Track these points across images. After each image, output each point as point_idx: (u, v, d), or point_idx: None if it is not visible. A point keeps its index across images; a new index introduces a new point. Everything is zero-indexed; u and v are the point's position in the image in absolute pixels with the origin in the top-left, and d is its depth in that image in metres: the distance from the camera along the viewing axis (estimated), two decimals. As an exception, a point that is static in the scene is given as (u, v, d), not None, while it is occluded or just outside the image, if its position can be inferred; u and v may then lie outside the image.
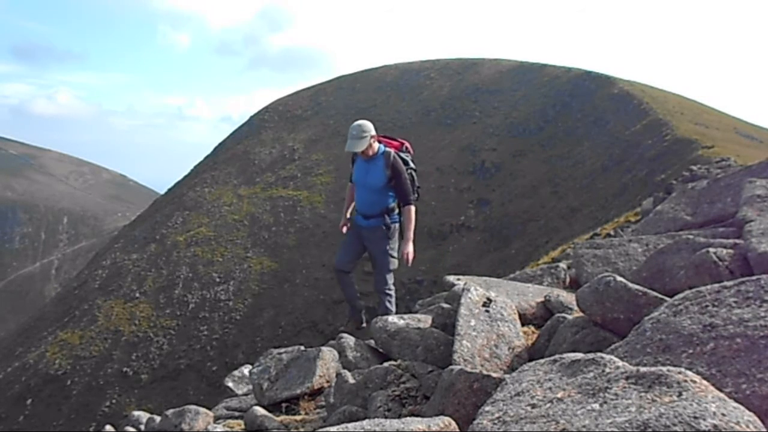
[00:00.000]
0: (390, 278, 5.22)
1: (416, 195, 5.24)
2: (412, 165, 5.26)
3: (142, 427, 4.27)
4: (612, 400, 1.39)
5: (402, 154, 5.20)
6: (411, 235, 4.90)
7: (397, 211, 5.18)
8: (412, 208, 4.98)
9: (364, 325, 5.53)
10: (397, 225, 5.14)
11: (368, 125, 5.00)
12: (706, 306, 1.85)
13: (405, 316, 3.69)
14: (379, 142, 5.19)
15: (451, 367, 2.28)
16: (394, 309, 5.19)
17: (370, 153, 4.99)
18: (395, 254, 5.12)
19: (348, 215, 5.47)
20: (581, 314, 2.66)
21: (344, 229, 5.43)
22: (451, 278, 4.41)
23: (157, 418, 4.09)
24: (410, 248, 4.86)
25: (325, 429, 2.05)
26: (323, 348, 3.94)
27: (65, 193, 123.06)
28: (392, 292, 5.28)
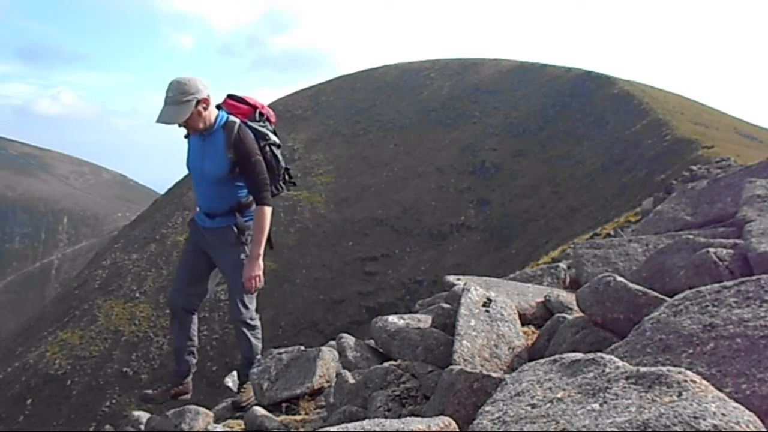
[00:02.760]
0: (251, 303, 3.59)
1: (282, 185, 3.66)
2: (273, 138, 3.55)
3: (142, 427, 4.27)
4: (612, 400, 1.39)
5: (253, 124, 3.49)
6: (260, 250, 3.36)
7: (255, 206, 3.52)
8: (266, 210, 3.36)
9: (188, 395, 3.97)
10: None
11: (193, 83, 3.21)
12: (706, 306, 1.85)
13: (405, 316, 3.69)
14: (222, 107, 3.48)
15: (451, 367, 2.28)
16: (260, 345, 3.75)
17: (201, 126, 3.28)
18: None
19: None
20: (581, 314, 2.66)
21: None
22: (451, 278, 4.37)
23: (157, 418, 4.08)
24: (256, 270, 3.37)
25: (325, 429, 2.05)
26: (323, 348, 3.93)
27: (65, 193, 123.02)
28: (256, 323, 3.68)
